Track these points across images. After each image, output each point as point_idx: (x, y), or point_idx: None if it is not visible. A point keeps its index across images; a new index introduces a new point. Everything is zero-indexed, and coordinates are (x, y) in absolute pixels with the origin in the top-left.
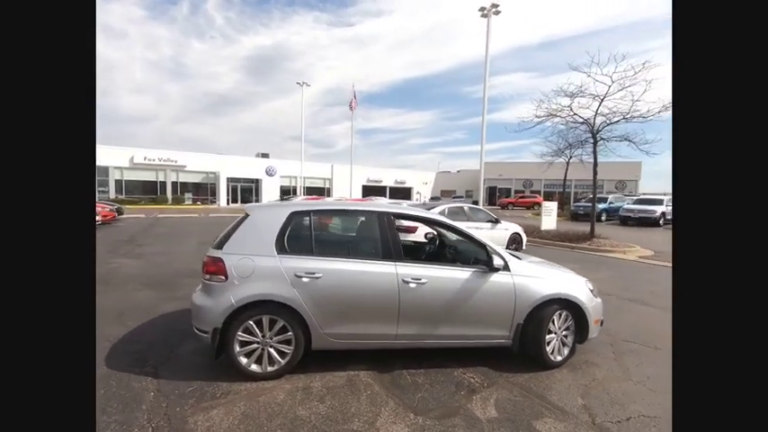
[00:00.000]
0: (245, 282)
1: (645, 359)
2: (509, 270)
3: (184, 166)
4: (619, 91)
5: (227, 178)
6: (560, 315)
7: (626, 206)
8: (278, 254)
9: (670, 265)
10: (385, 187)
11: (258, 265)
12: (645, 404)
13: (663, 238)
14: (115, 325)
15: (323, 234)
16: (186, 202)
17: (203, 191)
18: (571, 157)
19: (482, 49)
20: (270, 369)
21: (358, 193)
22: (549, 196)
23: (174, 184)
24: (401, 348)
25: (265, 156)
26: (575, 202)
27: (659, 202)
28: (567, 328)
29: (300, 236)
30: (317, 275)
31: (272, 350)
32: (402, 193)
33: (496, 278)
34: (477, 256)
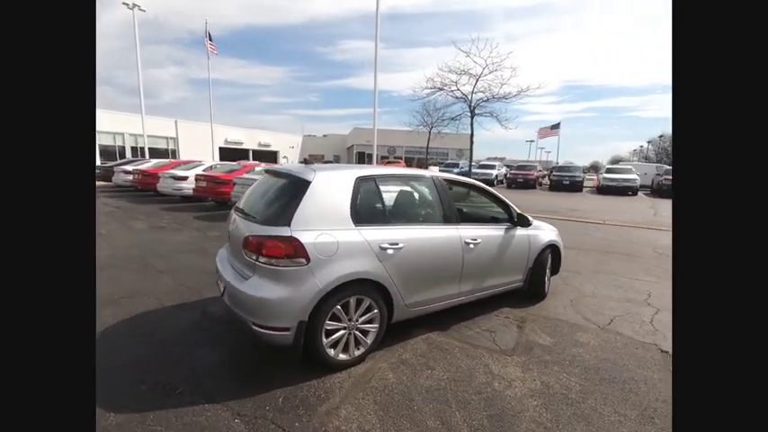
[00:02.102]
0: (331, 262)
1: (581, 280)
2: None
3: None
4: (491, 73)
5: None
6: (549, 257)
7: (474, 170)
8: (356, 225)
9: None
10: (247, 150)
11: (341, 241)
12: (609, 309)
13: (504, 194)
14: None
15: (388, 201)
16: None
17: None
18: (432, 127)
19: (336, 8)
20: (357, 353)
21: (213, 156)
22: (409, 161)
23: None
24: (454, 306)
25: None
26: (432, 166)
27: (492, 167)
28: (550, 267)
29: (370, 204)
30: (399, 245)
31: (357, 332)
32: (267, 156)
33: (519, 232)
34: (502, 215)
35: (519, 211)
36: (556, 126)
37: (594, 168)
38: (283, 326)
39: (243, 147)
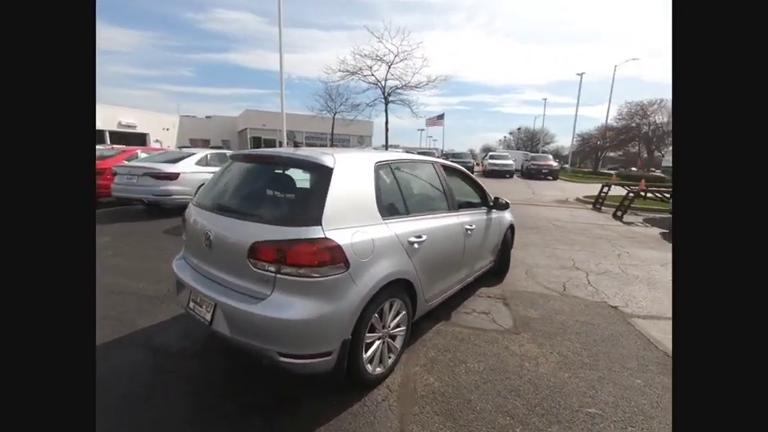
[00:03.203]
0: (370, 264)
1: (521, 254)
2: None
3: None
4: (402, 61)
5: None
6: (510, 234)
7: None
8: (383, 219)
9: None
10: (102, 132)
11: (375, 238)
12: (556, 276)
13: None
14: None
15: (405, 190)
16: None
17: None
18: (336, 113)
19: None
20: (389, 362)
21: None
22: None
23: None
24: (453, 294)
25: None
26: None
27: (412, 152)
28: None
29: (391, 194)
30: (423, 238)
31: (389, 339)
32: (132, 140)
33: (494, 215)
34: (478, 199)
35: (493, 196)
36: (441, 117)
37: (473, 155)
38: (325, 350)
39: (97, 128)
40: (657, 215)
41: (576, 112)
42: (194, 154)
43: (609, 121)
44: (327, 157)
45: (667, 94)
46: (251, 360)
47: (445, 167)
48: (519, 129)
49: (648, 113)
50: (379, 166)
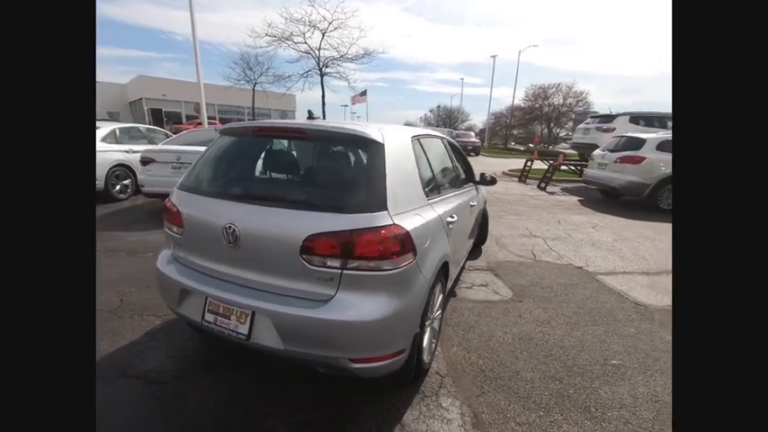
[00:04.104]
0: (429, 249)
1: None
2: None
3: None
4: (335, 29)
5: None
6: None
7: None
8: (427, 199)
9: None
10: None
11: (428, 221)
12: (522, 245)
13: None
14: None
15: (432, 166)
16: None
17: None
18: (256, 83)
19: None
20: (432, 348)
21: None
22: (226, 122)
23: None
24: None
25: None
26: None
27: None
28: None
29: (426, 171)
30: (455, 218)
31: (434, 325)
32: None
33: (480, 190)
34: (470, 174)
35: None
36: (364, 93)
37: None
38: (400, 348)
39: None
40: (571, 185)
41: (491, 92)
42: (98, 128)
43: (517, 101)
44: (374, 129)
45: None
46: (288, 369)
47: (450, 143)
48: (438, 107)
49: (548, 95)
50: (414, 141)
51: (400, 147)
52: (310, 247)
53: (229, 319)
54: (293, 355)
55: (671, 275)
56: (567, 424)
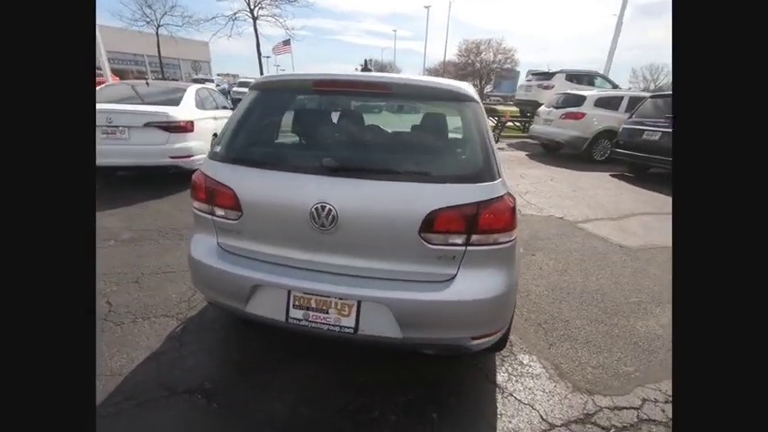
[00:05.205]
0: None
1: None
2: None
3: None
4: None
5: None
6: None
7: (236, 89)
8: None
9: None
10: None
11: (510, 191)
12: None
13: None
14: None
15: None
16: None
17: None
18: (160, 25)
19: None
20: None
21: None
22: (121, 74)
23: None
24: None
25: None
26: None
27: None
28: None
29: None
30: None
31: None
32: None
33: None
34: None
35: None
36: (287, 42)
37: None
38: (508, 319)
39: None
40: (514, 140)
41: (426, 46)
42: None
43: (451, 57)
44: (465, 85)
45: (481, 35)
46: (364, 352)
47: None
48: (369, 61)
49: (481, 51)
50: None
51: (482, 106)
52: (432, 223)
53: (327, 313)
54: (411, 342)
55: (631, 220)
56: (629, 360)
